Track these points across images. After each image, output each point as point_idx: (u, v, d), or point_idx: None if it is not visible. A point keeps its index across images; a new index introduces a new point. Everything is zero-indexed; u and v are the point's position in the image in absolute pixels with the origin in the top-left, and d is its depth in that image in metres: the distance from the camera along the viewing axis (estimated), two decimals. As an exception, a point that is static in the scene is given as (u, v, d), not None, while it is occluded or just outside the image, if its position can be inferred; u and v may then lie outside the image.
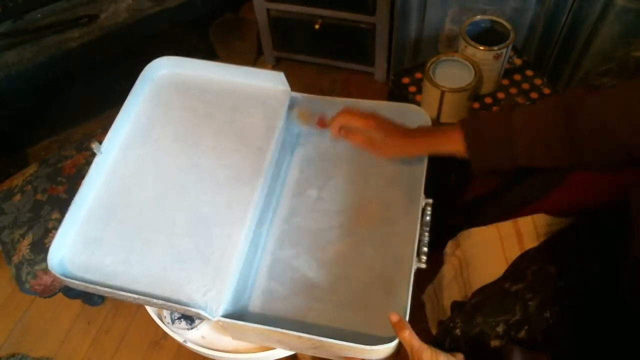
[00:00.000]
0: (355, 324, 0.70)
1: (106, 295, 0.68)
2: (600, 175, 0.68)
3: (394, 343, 0.60)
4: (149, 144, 0.80)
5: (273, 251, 0.78)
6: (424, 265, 0.67)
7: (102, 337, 1.29)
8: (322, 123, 0.82)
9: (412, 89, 1.07)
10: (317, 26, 1.48)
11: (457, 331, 0.63)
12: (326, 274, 0.75)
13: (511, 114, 0.63)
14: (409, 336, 0.58)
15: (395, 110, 0.82)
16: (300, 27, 1.53)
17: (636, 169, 0.61)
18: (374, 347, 0.60)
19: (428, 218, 0.71)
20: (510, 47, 0.94)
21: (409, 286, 0.65)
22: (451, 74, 0.94)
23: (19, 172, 1.18)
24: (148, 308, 0.78)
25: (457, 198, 0.99)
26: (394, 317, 0.60)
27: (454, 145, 0.67)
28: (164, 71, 0.88)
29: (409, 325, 0.59)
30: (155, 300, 0.65)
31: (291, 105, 0.85)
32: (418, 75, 1.08)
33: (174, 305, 0.65)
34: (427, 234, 0.70)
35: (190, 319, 0.75)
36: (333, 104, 0.84)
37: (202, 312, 0.63)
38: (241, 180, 0.76)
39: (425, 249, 0.68)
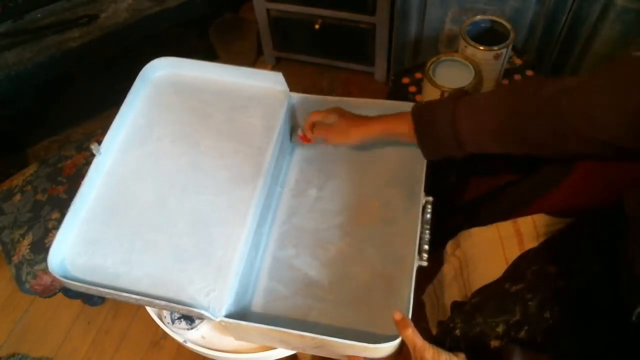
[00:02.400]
0: (357, 323, 0.70)
1: (108, 296, 0.68)
2: (600, 175, 0.68)
3: (397, 341, 0.60)
4: (148, 145, 0.80)
5: (274, 251, 0.78)
6: (425, 263, 0.67)
7: (102, 337, 1.29)
8: (304, 138, 0.85)
9: (412, 89, 1.07)
10: (317, 26, 1.48)
11: (457, 331, 0.63)
12: (327, 273, 0.75)
13: (456, 104, 0.66)
14: (412, 334, 0.58)
15: (396, 109, 0.82)
16: (300, 27, 1.53)
17: (632, 168, 0.62)
18: (376, 345, 0.60)
19: (429, 216, 0.72)
20: (510, 47, 0.94)
21: (410, 284, 0.65)
22: (451, 74, 0.94)
23: (19, 172, 1.18)
24: (148, 308, 0.78)
25: (457, 198, 0.99)
26: (397, 315, 0.60)
27: (404, 129, 0.72)
28: (163, 72, 0.88)
29: (411, 324, 0.59)
30: (157, 301, 0.65)
31: (290, 106, 0.85)
32: (418, 75, 1.08)
33: (176, 306, 0.65)
34: (427, 231, 0.70)
35: (190, 319, 0.75)
36: (333, 104, 0.84)
37: (205, 313, 0.63)
38: (241, 180, 0.76)
39: (427, 247, 0.68)
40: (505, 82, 1.03)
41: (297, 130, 0.88)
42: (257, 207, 0.74)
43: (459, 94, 0.68)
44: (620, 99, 0.53)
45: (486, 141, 0.65)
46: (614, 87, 0.54)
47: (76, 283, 0.67)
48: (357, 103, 0.83)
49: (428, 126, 0.69)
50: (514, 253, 0.69)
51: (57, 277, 0.66)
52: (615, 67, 0.56)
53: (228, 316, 0.65)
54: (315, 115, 0.82)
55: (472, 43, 0.94)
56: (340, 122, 0.78)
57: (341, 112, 0.80)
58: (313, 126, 0.82)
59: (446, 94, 0.91)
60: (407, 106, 0.81)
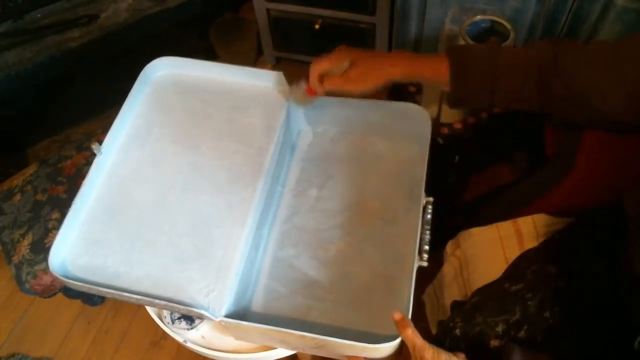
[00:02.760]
0: (357, 323, 0.70)
1: (108, 296, 0.68)
2: (599, 175, 0.68)
3: (397, 341, 0.60)
4: (148, 145, 0.80)
5: (274, 251, 0.78)
6: (425, 263, 0.67)
7: (102, 337, 1.29)
8: (310, 90, 0.76)
9: (412, 89, 1.07)
10: (317, 26, 1.48)
11: (457, 331, 0.63)
12: (327, 273, 0.75)
13: (499, 52, 0.64)
14: (412, 334, 0.58)
15: (395, 110, 0.82)
16: (300, 27, 1.53)
17: (631, 168, 0.62)
18: (376, 346, 0.60)
19: (429, 216, 0.72)
20: (510, 47, 0.94)
21: (411, 284, 0.65)
22: (451, 74, 0.94)
23: (19, 172, 1.18)
24: (148, 308, 0.78)
25: (457, 198, 0.99)
26: (397, 315, 0.60)
27: (437, 71, 0.65)
28: (163, 71, 0.88)
29: (411, 324, 0.59)
30: (157, 301, 0.65)
31: (291, 107, 0.85)
32: (418, 75, 1.08)
33: (176, 305, 0.65)
34: (428, 232, 0.70)
35: (190, 319, 0.75)
36: (333, 104, 0.84)
37: (205, 313, 0.63)
38: (241, 180, 0.76)
39: (427, 247, 0.68)
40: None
41: (299, 83, 0.79)
42: (258, 207, 0.74)
43: (495, 44, 0.66)
44: (624, 76, 0.57)
45: (517, 95, 0.64)
46: (620, 65, 0.57)
47: (77, 283, 0.67)
48: (357, 103, 0.83)
49: (468, 75, 0.64)
50: (514, 253, 0.69)
51: (58, 276, 0.66)
52: (624, 43, 0.59)
53: (228, 316, 0.65)
54: (322, 63, 0.71)
55: (472, 43, 0.94)
56: (356, 66, 0.69)
57: (354, 55, 0.70)
58: (321, 77, 0.72)
59: (446, 94, 0.91)
60: (407, 107, 0.82)
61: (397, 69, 0.67)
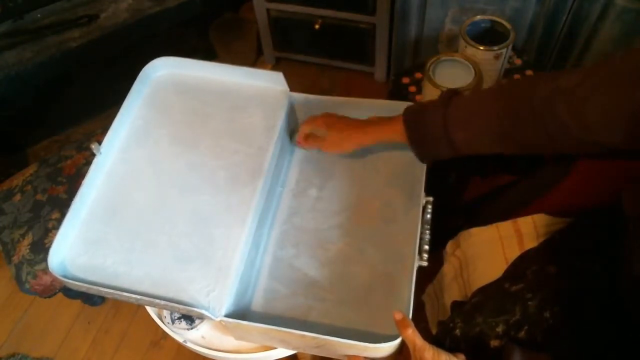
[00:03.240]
0: (357, 323, 0.70)
1: (108, 296, 0.68)
2: (599, 175, 0.68)
3: (397, 341, 0.60)
4: (148, 145, 0.80)
5: (274, 251, 0.78)
6: (425, 263, 0.67)
7: (102, 337, 1.29)
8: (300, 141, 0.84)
9: (412, 89, 1.07)
10: (317, 26, 1.48)
11: (457, 331, 0.63)
12: (327, 273, 0.75)
13: (447, 108, 0.65)
14: (412, 334, 0.58)
15: (395, 109, 0.82)
16: (300, 27, 1.53)
17: (631, 168, 0.62)
18: (377, 345, 0.60)
19: (429, 216, 0.72)
20: (510, 47, 0.94)
21: (411, 284, 0.65)
22: (451, 74, 0.94)
23: (19, 172, 1.18)
24: (148, 308, 0.78)
25: (457, 198, 0.99)
26: (398, 315, 0.60)
27: (398, 135, 0.71)
28: (163, 71, 0.88)
29: (412, 323, 0.59)
30: (158, 301, 0.65)
31: (291, 106, 0.85)
32: (418, 75, 1.08)
33: (176, 305, 0.65)
34: (428, 232, 0.70)
35: (190, 319, 0.75)
36: (333, 104, 0.84)
37: (205, 313, 0.63)
38: (241, 180, 0.76)
39: (427, 247, 0.68)
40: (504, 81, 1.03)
41: (296, 134, 0.88)
42: (257, 207, 0.74)
43: (449, 95, 0.67)
44: (614, 101, 0.52)
45: (479, 144, 0.64)
46: (608, 87, 0.52)
47: (76, 283, 0.67)
48: (357, 103, 0.83)
49: (420, 132, 0.68)
50: (514, 253, 0.69)
51: (58, 276, 0.66)
52: (609, 66, 0.54)
53: (228, 316, 0.65)
54: (305, 126, 0.81)
55: (472, 43, 0.94)
56: (331, 134, 0.78)
57: (329, 123, 0.78)
58: (307, 136, 0.82)
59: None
60: (405, 106, 0.82)
61: (367, 137, 0.75)
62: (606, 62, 0.54)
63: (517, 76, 1.05)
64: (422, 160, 0.72)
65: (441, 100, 0.67)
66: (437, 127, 0.65)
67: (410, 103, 0.81)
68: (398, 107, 0.82)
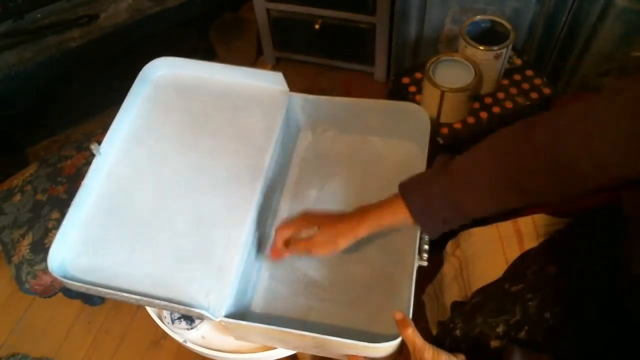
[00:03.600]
0: (357, 322, 0.70)
1: (108, 296, 0.68)
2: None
3: (397, 341, 0.60)
4: (148, 145, 0.80)
5: (273, 251, 0.78)
6: (425, 263, 0.67)
7: (102, 337, 1.29)
8: (275, 252, 0.73)
9: (412, 89, 1.07)
10: (317, 26, 1.48)
11: (457, 331, 0.63)
12: (327, 273, 0.75)
13: (447, 174, 0.59)
14: (412, 334, 0.58)
15: (395, 109, 0.82)
16: (300, 27, 1.53)
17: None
18: (377, 345, 0.60)
19: None
20: (510, 47, 0.94)
21: (411, 284, 0.65)
22: (451, 74, 0.94)
23: (19, 172, 1.18)
24: (148, 308, 0.78)
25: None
26: (398, 315, 0.60)
27: (401, 218, 0.63)
28: (163, 71, 0.88)
29: (412, 323, 0.59)
30: (157, 301, 0.65)
31: (291, 107, 0.85)
32: (418, 75, 1.08)
33: (176, 306, 0.65)
34: None
35: (190, 319, 0.75)
36: (333, 104, 0.84)
37: (205, 313, 0.63)
38: (241, 180, 0.76)
39: (427, 247, 0.68)
40: (505, 82, 1.03)
41: (268, 244, 0.78)
42: (257, 207, 0.74)
43: (443, 162, 0.61)
44: (629, 131, 0.47)
45: (489, 202, 0.59)
46: (618, 121, 0.47)
47: (76, 283, 0.67)
48: (357, 103, 0.83)
49: (426, 209, 0.61)
50: (514, 253, 0.69)
51: (57, 277, 0.66)
52: (611, 96, 0.49)
53: (228, 316, 0.65)
54: (284, 229, 0.71)
55: (472, 43, 0.94)
56: (323, 233, 0.68)
57: (316, 219, 0.70)
58: (287, 242, 0.72)
59: (446, 94, 0.91)
60: (407, 106, 0.82)
61: (363, 228, 0.66)
62: (597, 98, 0.50)
63: (517, 77, 1.04)
64: (433, 236, 0.64)
65: (437, 169, 0.62)
66: (442, 198, 0.59)
67: (411, 103, 0.82)
68: (398, 106, 0.82)
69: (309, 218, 0.70)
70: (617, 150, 0.48)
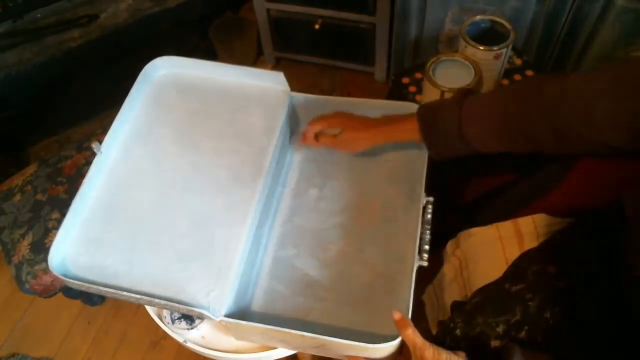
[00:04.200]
0: (358, 323, 0.70)
1: (108, 295, 0.68)
2: (600, 175, 0.68)
3: (397, 341, 0.60)
4: (148, 145, 0.80)
5: (274, 251, 0.78)
6: (425, 263, 0.67)
7: (102, 337, 1.29)
8: (304, 139, 0.83)
9: (412, 89, 1.07)
10: (317, 26, 1.48)
11: (457, 331, 0.63)
12: (327, 273, 0.75)
13: (461, 107, 0.66)
14: (412, 334, 0.58)
15: (396, 109, 0.82)
16: (300, 27, 1.53)
17: (632, 168, 0.62)
18: (376, 345, 0.60)
19: (429, 216, 0.72)
20: (510, 47, 0.94)
21: (411, 284, 0.65)
22: (451, 74, 0.94)
23: (19, 172, 1.18)
24: (148, 308, 0.78)
25: (457, 198, 0.99)
26: (397, 315, 0.60)
27: (411, 133, 0.71)
28: (163, 71, 0.88)
29: (411, 323, 0.59)
30: (157, 301, 0.65)
31: (291, 106, 0.85)
32: (418, 75, 1.08)
33: (176, 305, 0.65)
34: (428, 232, 0.70)
35: (190, 318, 0.75)
36: (333, 104, 0.84)
37: (205, 312, 0.63)
38: (242, 180, 0.76)
39: (427, 247, 0.68)
40: (505, 81, 1.03)
41: (296, 134, 0.87)
42: (258, 207, 0.74)
43: (463, 94, 0.69)
44: (621, 103, 0.53)
45: (492, 141, 0.65)
46: (615, 90, 0.53)
47: (77, 282, 0.67)
48: (357, 103, 0.83)
49: (435, 130, 0.69)
50: (514, 253, 0.69)
51: (58, 276, 0.66)
52: (615, 69, 0.55)
53: (228, 316, 0.65)
54: (317, 124, 0.80)
55: (472, 43, 0.94)
56: (347, 132, 0.78)
57: (344, 121, 0.79)
58: (315, 135, 0.81)
59: (446, 94, 0.91)
60: (407, 106, 0.82)
61: (381, 135, 0.76)
62: (608, 67, 0.56)
63: (517, 77, 1.05)
64: (436, 157, 0.73)
65: (455, 98, 0.68)
66: (452, 122, 0.66)
67: (412, 103, 0.82)
68: (398, 107, 0.82)
69: (338, 119, 0.79)
70: (616, 121, 0.53)
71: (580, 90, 0.56)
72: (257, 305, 0.74)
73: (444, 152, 0.71)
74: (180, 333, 0.76)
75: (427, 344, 0.57)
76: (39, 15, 1.42)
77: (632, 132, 0.53)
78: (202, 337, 0.76)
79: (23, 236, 1.06)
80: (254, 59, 1.76)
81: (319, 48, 1.61)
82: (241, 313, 0.71)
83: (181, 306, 0.65)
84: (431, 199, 0.73)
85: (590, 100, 0.55)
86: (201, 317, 0.71)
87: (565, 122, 0.57)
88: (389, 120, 0.76)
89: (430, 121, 0.70)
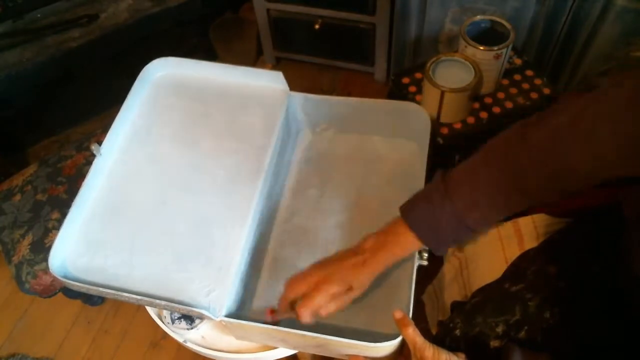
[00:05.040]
0: (358, 322, 0.70)
1: (109, 297, 0.68)
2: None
3: (397, 340, 0.60)
4: (148, 145, 0.80)
5: (274, 251, 0.78)
6: (425, 263, 0.67)
7: (102, 337, 1.29)
8: (272, 312, 0.67)
9: (412, 89, 1.07)
10: (317, 26, 1.48)
11: (457, 331, 0.63)
12: (327, 273, 0.75)
13: (451, 197, 0.58)
14: (412, 333, 0.58)
15: (395, 109, 0.82)
16: (300, 27, 1.53)
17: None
18: (377, 345, 0.60)
19: None
20: (510, 47, 0.94)
21: (411, 283, 0.65)
22: (451, 74, 0.94)
23: (19, 172, 1.18)
24: (148, 308, 0.78)
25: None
26: (398, 314, 0.60)
27: (411, 246, 0.62)
28: (163, 72, 0.88)
29: (412, 322, 0.59)
30: (158, 301, 0.65)
31: (291, 106, 0.85)
32: (418, 75, 1.08)
33: (176, 306, 0.65)
34: None
35: (190, 318, 0.75)
36: (333, 103, 0.84)
37: (205, 313, 0.63)
38: (241, 180, 0.76)
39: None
40: (505, 81, 1.03)
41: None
42: (258, 207, 0.74)
43: (442, 180, 0.60)
44: (627, 128, 0.46)
45: (495, 216, 0.59)
46: (616, 116, 0.47)
47: (77, 283, 0.67)
48: (357, 102, 0.83)
49: (438, 238, 0.61)
50: (514, 253, 0.69)
51: (58, 277, 0.66)
52: (608, 92, 0.49)
53: (228, 316, 0.65)
54: (289, 290, 0.64)
55: (472, 43, 0.94)
56: (331, 285, 0.62)
57: (321, 270, 0.64)
58: (292, 303, 0.65)
59: (446, 94, 0.91)
60: (406, 107, 0.82)
61: (378, 266, 0.64)
62: (593, 95, 0.50)
63: (517, 77, 1.04)
64: (443, 254, 0.65)
65: (438, 191, 0.60)
66: (450, 224, 0.59)
67: (412, 103, 0.81)
68: (398, 106, 0.82)
69: (316, 276, 0.64)
70: (615, 148, 0.47)
71: (572, 126, 0.50)
72: (257, 305, 0.74)
73: (453, 245, 0.64)
74: (180, 333, 0.76)
75: (427, 343, 0.57)
76: (39, 15, 1.42)
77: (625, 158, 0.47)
78: (202, 337, 0.76)
79: (23, 236, 1.06)
80: (254, 59, 1.76)
81: (319, 48, 1.61)
82: (241, 313, 0.71)
83: (181, 307, 0.65)
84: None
85: (589, 134, 0.48)
86: (201, 317, 0.71)
87: (564, 161, 0.51)
88: (377, 247, 0.64)
89: (428, 226, 0.61)
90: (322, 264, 0.66)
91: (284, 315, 0.65)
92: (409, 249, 0.63)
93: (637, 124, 0.45)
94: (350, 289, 0.63)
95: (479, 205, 0.58)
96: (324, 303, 0.62)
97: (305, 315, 0.61)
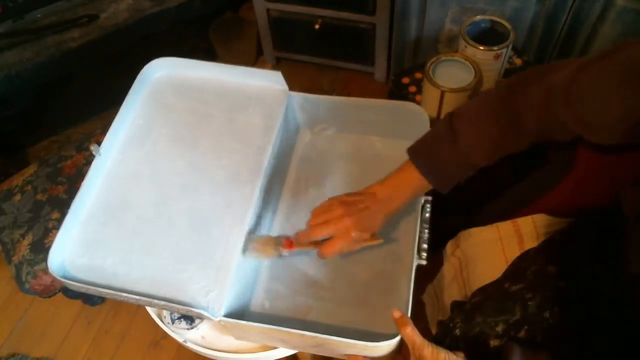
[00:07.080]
0: (357, 322, 0.70)
1: (108, 297, 0.68)
2: (599, 175, 0.68)
3: (396, 340, 0.60)
4: (147, 145, 0.80)
5: (273, 251, 0.78)
6: (424, 262, 0.67)
7: (102, 337, 1.29)
8: (289, 244, 0.72)
9: (412, 89, 1.07)
10: (317, 26, 1.48)
11: (457, 331, 0.63)
12: (326, 272, 0.75)
13: (453, 134, 0.64)
14: (411, 332, 0.58)
15: (395, 109, 0.82)
16: (300, 27, 1.53)
17: (628, 167, 0.62)
18: (376, 344, 0.60)
19: (427, 215, 0.72)
20: (510, 47, 0.94)
21: (410, 283, 0.65)
22: (451, 74, 0.94)
23: (19, 172, 1.18)
24: (148, 308, 0.78)
25: (457, 198, 0.99)
26: (397, 313, 0.60)
27: (417, 183, 0.68)
28: (162, 72, 0.88)
29: (411, 322, 0.59)
30: (157, 301, 0.65)
31: (290, 106, 0.85)
32: (418, 75, 1.09)
33: (175, 306, 0.65)
34: (426, 230, 0.70)
35: (190, 318, 0.75)
36: (332, 103, 0.84)
37: (204, 313, 0.63)
38: (241, 180, 0.76)
39: (425, 246, 0.68)
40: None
41: (265, 240, 0.73)
42: (257, 207, 0.74)
43: (447, 123, 0.66)
44: (614, 98, 0.51)
45: (491, 149, 0.64)
46: (604, 86, 0.51)
47: (76, 283, 0.67)
48: (356, 102, 0.83)
49: (444, 171, 0.67)
50: (514, 253, 0.69)
51: (58, 277, 0.66)
52: (603, 63, 0.52)
53: (228, 316, 0.65)
54: (309, 232, 0.70)
55: (472, 43, 0.94)
56: (348, 222, 0.68)
57: (339, 208, 0.70)
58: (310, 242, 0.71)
59: (446, 94, 0.91)
60: (406, 107, 0.82)
61: (393, 205, 0.70)
62: (593, 61, 0.53)
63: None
64: (445, 189, 0.69)
65: (443, 133, 0.66)
66: (455, 164, 0.66)
67: (412, 103, 0.81)
68: (398, 106, 0.82)
69: (337, 211, 0.70)
70: (604, 113, 0.52)
71: (565, 88, 0.55)
72: (256, 304, 0.74)
73: (455, 182, 0.68)
74: (180, 333, 0.76)
75: (425, 342, 0.57)
76: (39, 15, 1.42)
77: (624, 130, 0.52)
78: (202, 337, 0.76)
79: (23, 236, 1.06)
80: (254, 59, 1.76)
81: (318, 48, 1.61)
82: (240, 313, 0.71)
83: (180, 307, 0.64)
84: (429, 198, 0.73)
85: (581, 99, 0.53)
86: (201, 317, 0.71)
87: (556, 120, 0.57)
88: (386, 185, 0.71)
89: (431, 162, 0.67)
90: (341, 201, 0.71)
91: (302, 247, 0.72)
92: (415, 187, 0.69)
93: (627, 96, 0.49)
94: (364, 230, 0.69)
95: (481, 146, 0.64)
96: (346, 248, 0.70)
97: (327, 255, 0.70)
